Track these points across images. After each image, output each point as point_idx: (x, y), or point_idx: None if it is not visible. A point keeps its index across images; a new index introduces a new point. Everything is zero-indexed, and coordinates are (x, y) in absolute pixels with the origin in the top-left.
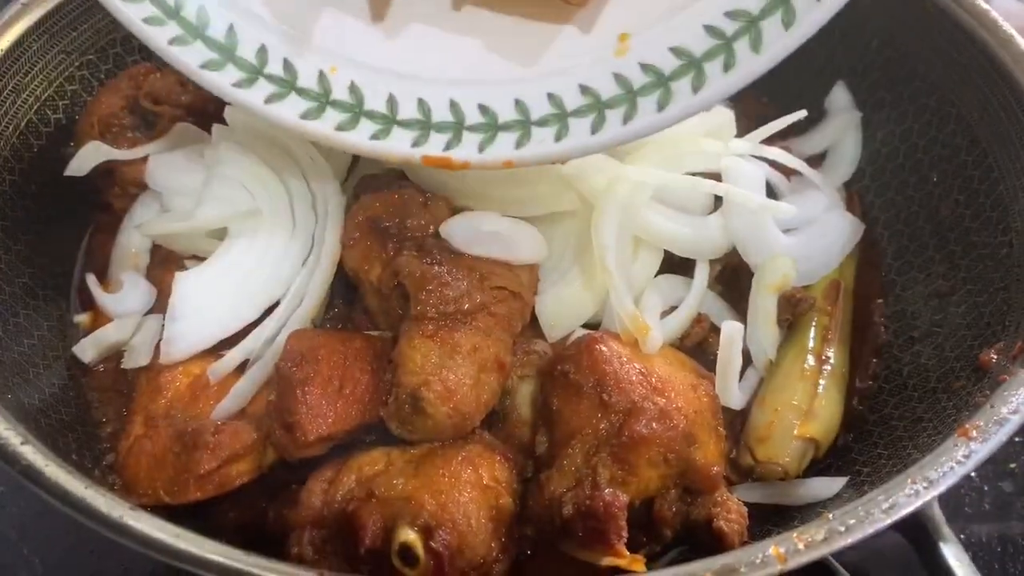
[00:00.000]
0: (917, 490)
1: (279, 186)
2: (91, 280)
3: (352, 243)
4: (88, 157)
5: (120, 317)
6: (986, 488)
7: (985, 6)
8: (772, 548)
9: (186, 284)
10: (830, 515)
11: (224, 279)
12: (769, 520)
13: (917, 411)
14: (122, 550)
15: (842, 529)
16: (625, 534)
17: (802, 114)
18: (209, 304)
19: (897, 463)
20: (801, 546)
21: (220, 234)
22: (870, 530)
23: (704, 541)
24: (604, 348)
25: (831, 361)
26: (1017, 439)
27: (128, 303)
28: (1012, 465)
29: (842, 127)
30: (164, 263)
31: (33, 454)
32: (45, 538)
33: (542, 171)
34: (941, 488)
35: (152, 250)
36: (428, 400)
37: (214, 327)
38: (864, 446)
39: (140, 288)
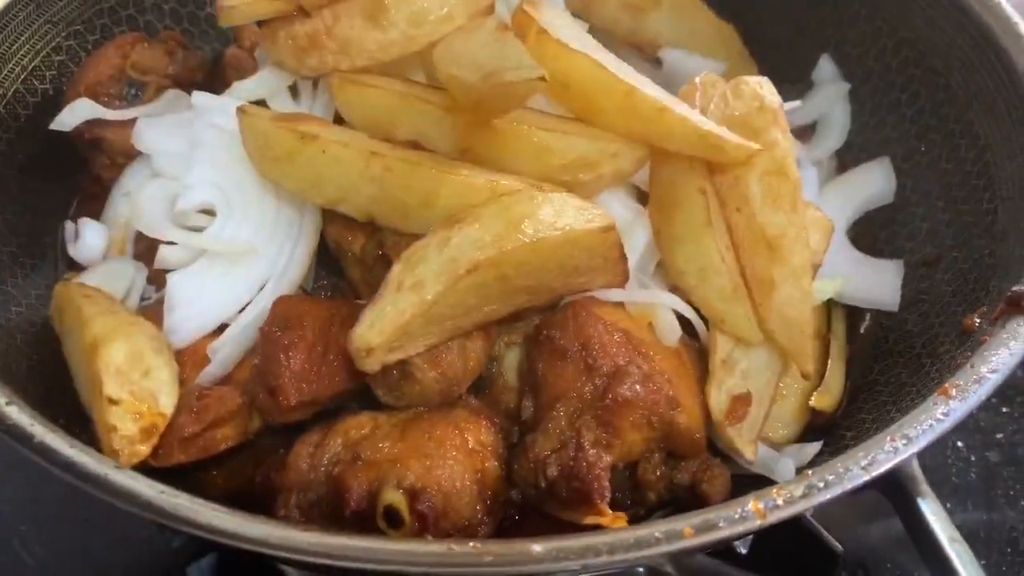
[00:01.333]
0: (896, 447)
1: None
2: (68, 230)
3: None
4: (76, 112)
5: (85, 263)
6: (973, 458)
7: None
8: (751, 503)
9: (178, 276)
10: (809, 472)
11: (215, 263)
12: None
13: (902, 376)
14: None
15: (821, 485)
16: (608, 494)
17: (797, 104)
18: (203, 290)
19: (881, 427)
20: (780, 501)
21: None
22: (848, 486)
23: (688, 505)
24: (589, 313)
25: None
26: (1004, 409)
27: (86, 249)
28: (999, 435)
29: (830, 99)
30: None
31: (18, 414)
32: (40, 513)
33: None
34: (920, 445)
35: None
36: (416, 366)
37: (213, 311)
38: (848, 410)
39: (96, 231)
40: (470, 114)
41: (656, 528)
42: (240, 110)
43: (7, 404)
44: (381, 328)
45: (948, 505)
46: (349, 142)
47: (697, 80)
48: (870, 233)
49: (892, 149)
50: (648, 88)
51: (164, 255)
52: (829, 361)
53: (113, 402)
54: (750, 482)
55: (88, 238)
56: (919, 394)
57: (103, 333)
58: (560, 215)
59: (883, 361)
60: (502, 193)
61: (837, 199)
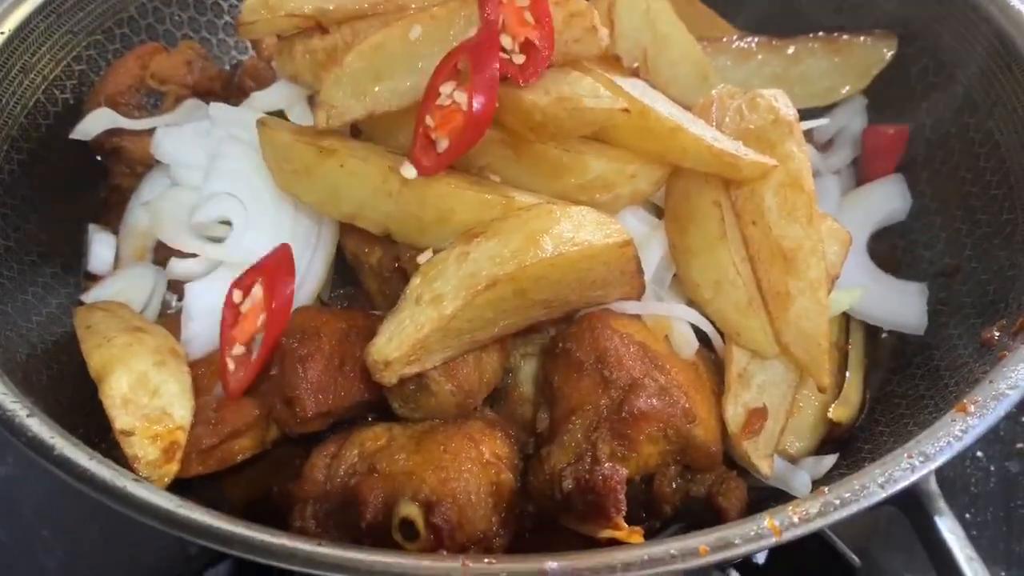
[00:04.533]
0: (913, 465)
1: None
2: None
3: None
4: (96, 122)
5: (99, 273)
6: (992, 468)
7: None
8: (767, 521)
9: (196, 286)
10: (825, 489)
11: (232, 273)
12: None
13: (920, 389)
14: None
15: (837, 503)
16: (624, 507)
17: (824, 121)
18: (221, 301)
19: (898, 440)
20: (796, 519)
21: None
22: (865, 504)
23: (704, 518)
24: (606, 326)
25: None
26: None
27: (95, 260)
28: (1019, 445)
29: (849, 113)
30: None
31: (39, 426)
32: (62, 517)
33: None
34: (937, 463)
35: None
36: (432, 379)
37: None
38: (866, 422)
39: (105, 243)
40: (517, 134)
41: (671, 545)
42: (260, 123)
43: (28, 415)
44: (399, 342)
45: (967, 515)
46: (367, 157)
47: (714, 93)
48: (888, 242)
49: (911, 157)
50: (661, 107)
51: (177, 269)
52: (848, 372)
53: (127, 433)
54: (767, 494)
55: (97, 249)
56: (937, 408)
57: (101, 366)
58: (579, 230)
59: (901, 373)
60: (517, 209)
61: (856, 212)
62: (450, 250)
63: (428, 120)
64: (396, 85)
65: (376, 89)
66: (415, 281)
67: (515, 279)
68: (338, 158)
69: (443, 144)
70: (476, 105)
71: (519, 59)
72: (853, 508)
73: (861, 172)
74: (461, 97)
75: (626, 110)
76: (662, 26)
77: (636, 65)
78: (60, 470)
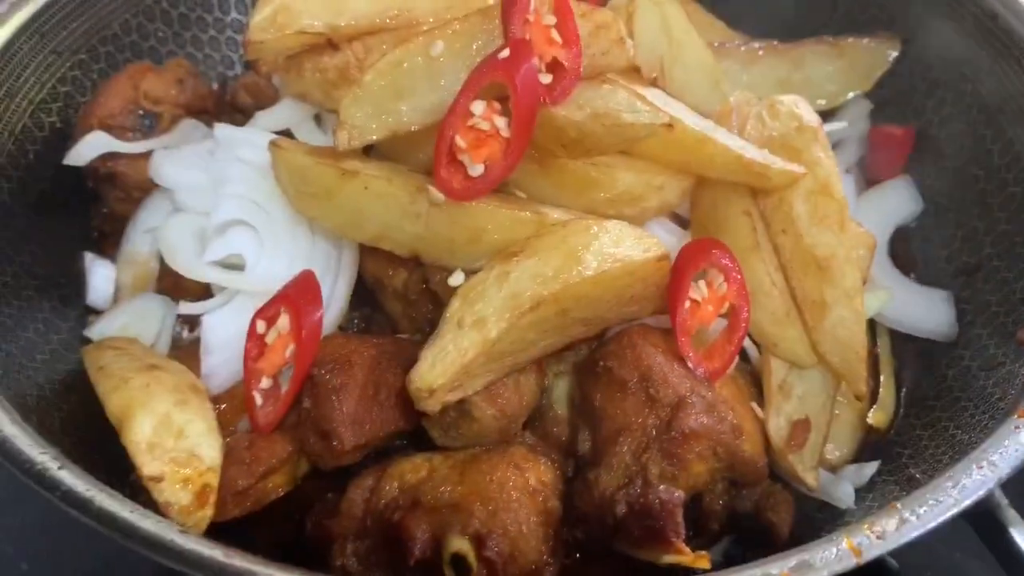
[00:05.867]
0: (985, 475)
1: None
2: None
3: None
4: (90, 146)
5: (100, 307)
6: None
7: None
8: (846, 542)
9: (212, 318)
10: (898, 504)
11: (251, 302)
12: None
13: (953, 390)
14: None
15: (914, 519)
16: (683, 531)
17: (843, 124)
18: (240, 332)
19: (941, 444)
20: (874, 538)
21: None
22: (941, 518)
23: (752, 532)
24: (647, 342)
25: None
26: None
27: (94, 292)
28: None
29: (853, 114)
30: None
31: (72, 479)
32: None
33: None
34: (1007, 470)
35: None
36: (475, 404)
37: None
38: (901, 427)
39: (103, 275)
40: (543, 149)
41: (751, 572)
42: (274, 145)
43: (59, 468)
44: (443, 368)
45: None
46: (391, 178)
47: (732, 100)
48: (902, 242)
49: (919, 156)
50: (687, 118)
51: (190, 310)
52: (881, 377)
53: (157, 479)
54: (810, 505)
55: (96, 281)
56: (978, 409)
57: (120, 411)
58: (618, 245)
59: (930, 374)
60: (550, 225)
61: (872, 214)
62: (488, 271)
63: (459, 141)
64: (419, 103)
65: (398, 108)
66: (455, 304)
67: (559, 299)
68: (361, 180)
69: (477, 169)
70: (519, 133)
71: (546, 78)
72: (929, 523)
73: (868, 174)
74: (501, 122)
75: (669, 125)
76: (677, 33)
77: (655, 75)
78: (100, 525)
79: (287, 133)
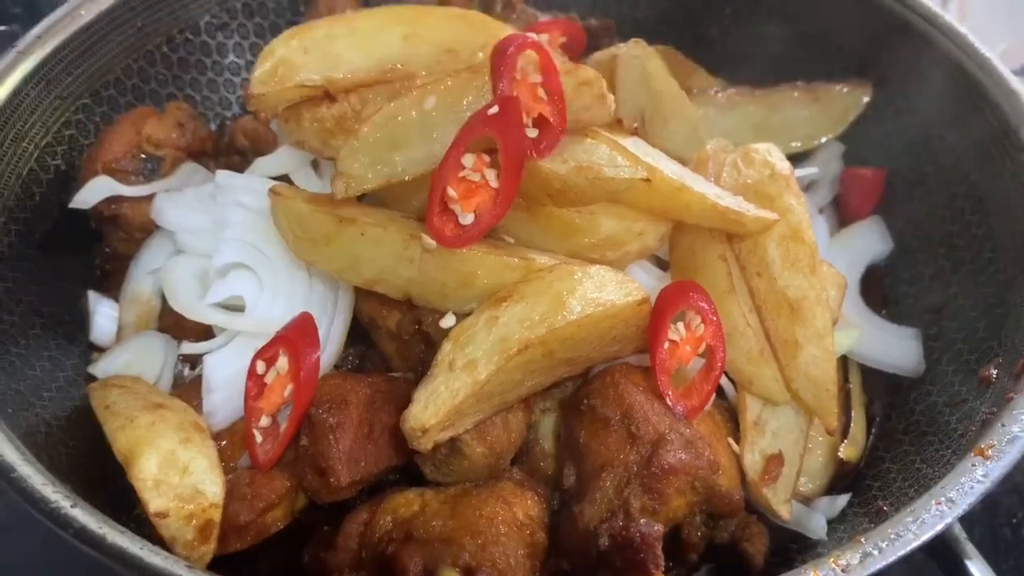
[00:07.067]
0: (943, 511)
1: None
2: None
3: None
4: (95, 190)
5: (103, 345)
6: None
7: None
8: (812, 573)
9: (214, 358)
10: (863, 539)
11: (251, 342)
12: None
13: (921, 425)
14: None
15: (875, 552)
16: (662, 563)
17: (814, 171)
18: (241, 371)
19: (908, 477)
20: (839, 571)
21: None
22: (902, 551)
23: (728, 562)
24: (629, 381)
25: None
26: None
27: (97, 330)
28: None
29: (826, 156)
30: None
31: (85, 517)
32: None
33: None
34: (965, 507)
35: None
36: (465, 442)
37: None
38: (870, 460)
39: (106, 314)
40: (530, 197)
41: None
42: (273, 192)
43: (72, 506)
44: (436, 409)
45: None
46: (386, 225)
47: (708, 148)
48: (873, 280)
49: (890, 196)
50: (665, 166)
51: (192, 350)
52: (852, 412)
53: (162, 515)
54: (785, 536)
55: (100, 320)
56: (942, 444)
57: (128, 449)
58: (601, 290)
59: (899, 409)
60: (537, 270)
61: (844, 254)
62: (478, 315)
63: (450, 191)
64: (412, 154)
65: (393, 158)
66: (446, 347)
67: (545, 342)
68: (358, 227)
69: (468, 218)
70: (508, 184)
71: (532, 133)
72: (890, 557)
73: (841, 214)
74: (490, 174)
75: (647, 179)
76: (656, 84)
77: (636, 126)
78: (112, 561)
79: (285, 178)
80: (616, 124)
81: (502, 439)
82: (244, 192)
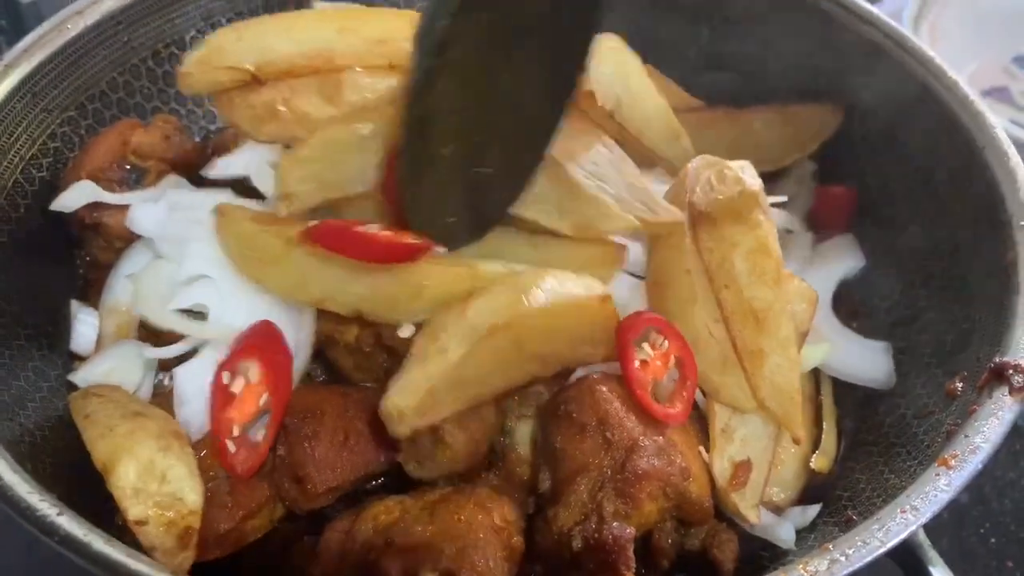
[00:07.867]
0: (907, 519)
1: None
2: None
3: None
4: (77, 194)
5: (81, 352)
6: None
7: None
8: None
9: (184, 370)
10: (830, 546)
11: (218, 352)
12: (758, 552)
13: (890, 437)
14: None
15: (843, 559)
16: (633, 565)
17: (783, 198)
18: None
19: (876, 488)
20: None
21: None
22: (868, 558)
23: (699, 568)
24: (605, 388)
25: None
26: None
27: (79, 338)
28: None
29: (798, 175)
30: None
31: (71, 524)
32: None
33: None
34: (928, 515)
35: None
36: (447, 431)
37: None
38: (841, 471)
39: (87, 322)
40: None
41: None
42: (218, 212)
43: (58, 514)
44: (412, 391)
45: None
46: None
47: (690, 165)
48: (844, 293)
49: (863, 208)
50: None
51: (155, 354)
52: (824, 424)
53: (142, 523)
54: (756, 544)
55: (81, 328)
56: (909, 455)
57: (107, 457)
58: (563, 284)
59: (870, 421)
60: (483, 278)
61: (818, 271)
62: (447, 313)
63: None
64: (350, 174)
65: (330, 178)
66: (419, 342)
67: (511, 326)
68: (307, 246)
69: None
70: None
71: None
72: (857, 563)
73: (814, 231)
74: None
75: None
76: (634, 83)
77: (611, 109)
78: (97, 567)
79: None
80: (589, 97)
81: (481, 428)
82: (199, 209)
